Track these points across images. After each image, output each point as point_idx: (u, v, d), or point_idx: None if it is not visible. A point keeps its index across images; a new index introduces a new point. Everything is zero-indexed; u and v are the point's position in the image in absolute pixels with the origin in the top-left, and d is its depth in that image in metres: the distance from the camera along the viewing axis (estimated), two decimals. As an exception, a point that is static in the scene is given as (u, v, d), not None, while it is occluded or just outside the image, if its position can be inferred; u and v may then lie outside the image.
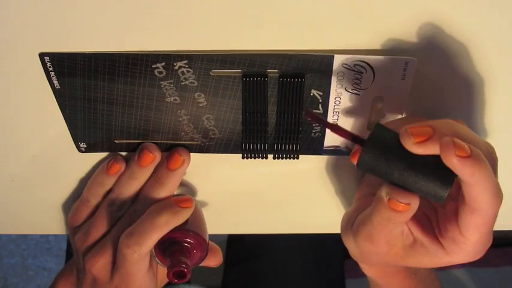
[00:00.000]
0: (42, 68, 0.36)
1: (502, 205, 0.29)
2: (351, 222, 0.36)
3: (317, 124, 0.39)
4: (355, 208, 0.38)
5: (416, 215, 0.34)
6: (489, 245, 0.33)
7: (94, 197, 0.43)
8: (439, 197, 0.30)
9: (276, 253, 0.78)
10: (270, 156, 0.41)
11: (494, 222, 0.31)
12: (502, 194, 0.30)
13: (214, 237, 0.47)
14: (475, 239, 0.31)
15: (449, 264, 0.34)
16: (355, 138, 0.31)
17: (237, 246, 0.83)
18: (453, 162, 0.28)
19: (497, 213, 0.30)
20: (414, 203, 0.30)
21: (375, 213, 0.32)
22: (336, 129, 0.32)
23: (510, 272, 1.17)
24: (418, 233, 0.34)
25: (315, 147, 0.41)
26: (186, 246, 0.40)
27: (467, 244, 0.31)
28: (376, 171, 0.31)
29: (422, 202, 0.35)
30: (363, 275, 0.44)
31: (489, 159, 0.30)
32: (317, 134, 0.40)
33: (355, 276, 1.11)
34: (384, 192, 0.31)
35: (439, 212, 0.34)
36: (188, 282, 0.79)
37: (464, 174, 0.28)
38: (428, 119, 0.33)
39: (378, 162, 0.30)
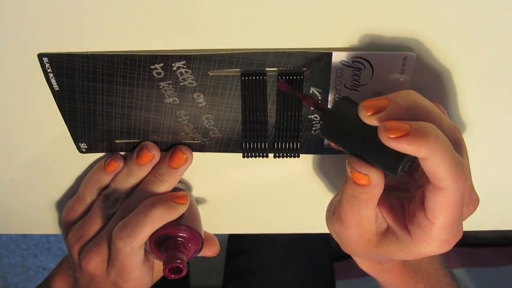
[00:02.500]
0: (41, 69, 0.36)
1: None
2: (330, 207, 0.37)
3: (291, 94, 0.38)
4: (336, 194, 0.38)
5: (392, 204, 0.34)
6: (458, 236, 0.32)
7: (90, 194, 0.43)
8: (394, 171, 0.30)
9: (263, 252, 0.79)
10: (271, 155, 0.42)
11: (461, 206, 0.30)
12: (464, 169, 0.29)
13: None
14: (440, 222, 0.30)
15: (418, 256, 0.33)
16: (319, 107, 0.33)
17: (236, 242, 0.83)
18: (391, 144, 0.28)
19: (462, 193, 0.30)
20: (374, 175, 0.30)
21: (343, 191, 0.33)
22: (304, 98, 0.34)
23: (510, 272, 1.17)
24: (390, 220, 0.34)
25: (316, 145, 0.41)
26: (181, 241, 0.40)
27: (432, 229, 0.31)
28: (337, 141, 0.32)
29: (402, 193, 0.35)
30: (352, 277, 0.44)
31: (450, 136, 0.29)
32: (317, 132, 0.40)
33: (344, 278, 1.12)
34: (346, 166, 0.31)
35: (412, 200, 0.33)
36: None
37: (408, 151, 0.28)
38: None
39: (338, 132, 0.32)
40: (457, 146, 0.31)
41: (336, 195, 0.37)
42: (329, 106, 0.38)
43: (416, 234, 0.32)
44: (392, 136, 0.28)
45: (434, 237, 0.31)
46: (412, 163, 0.31)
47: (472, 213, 0.35)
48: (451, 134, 0.30)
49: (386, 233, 0.34)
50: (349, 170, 0.31)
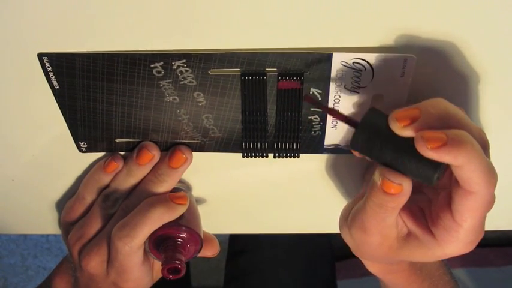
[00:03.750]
0: (41, 68, 0.36)
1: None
2: (347, 214, 0.36)
3: (316, 109, 0.39)
4: (353, 200, 0.38)
5: (411, 208, 0.34)
6: (481, 236, 0.32)
7: (89, 194, 0.43)
8: (429, 179, 0.30)
9: (264, 252, 0.79)
10: (271, 155, 0.41)
11: (489, 208, 0.30)
12: (496, 174, 0.29)
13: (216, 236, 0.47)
14: (468, 224, 0.31)
15: (442, 258, 0.33)
16: (349, 121, 0.33)
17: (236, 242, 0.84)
18: (429, 154, 0.28)
19: (493, 196, 0.30)
20: (406, 184, 0.31)
21: (368, 199, 0.33)
22: (332, 112, 0.34)
23: (510, 272, 1.17)
24: (411, 225, 0.34)
25: (316, 145, 0.41)
26: (180, 241, 0.40)
27: (459, 231, 0.31)
28: (369, 153, 0.32)
29: (417, 196, 0.35)
30: (353, 276, 0.44)
31: (479, 141, 0.30)
32: (317, 132, 0.40)
33: (345, 278, 1.12)
34: (377, 176, 0.31)
35: (433, 202, 0.34)
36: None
37: (446, 161, 0.28)
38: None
39: (370, 145, 0.31)
40: (485, 149, 0.31)
41: (351, 203, 0.37)
42: (329, 106, 0.38)
43: (442, 236, 0.32)
44: (430, 146, 0.28)
45: (460, 239, 0.31)
46: (446, 170, 0.31)
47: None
48: (480, 138, 0.30)
49: (407, 238, 0.34)
50: (380, 180, 0.31)
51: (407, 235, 0.34)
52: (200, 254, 0.43)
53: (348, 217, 0.36)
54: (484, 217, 0.31)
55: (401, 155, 0.30)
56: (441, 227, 0.32)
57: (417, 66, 0.35)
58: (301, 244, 0.79)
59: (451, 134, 0.28)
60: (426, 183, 0.31)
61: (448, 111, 0.30)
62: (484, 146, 0.31)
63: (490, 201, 0.30)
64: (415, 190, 0.35)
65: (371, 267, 0.42)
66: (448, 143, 0.28)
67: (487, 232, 0.35)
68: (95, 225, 0.43)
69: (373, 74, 0.35)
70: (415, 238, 0.34)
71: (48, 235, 1.35)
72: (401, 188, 0.31)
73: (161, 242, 0.40)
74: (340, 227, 0.37)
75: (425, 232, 0.33)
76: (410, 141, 0.29)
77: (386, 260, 0.37)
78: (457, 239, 0.31)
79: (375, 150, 0.31)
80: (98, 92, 0.38)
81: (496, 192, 0.45)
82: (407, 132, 0.30)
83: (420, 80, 0.36)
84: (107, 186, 0.43)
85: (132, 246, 0.39)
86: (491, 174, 0.29)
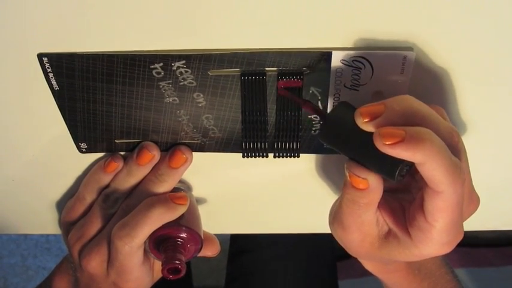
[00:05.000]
0: (41, 69, 0.36)
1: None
2: (332, 212, 0.37)
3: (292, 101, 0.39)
4: (337, 198, 0.38)
5: (393, 206, 0.34)
6: (459, 237, 0.32)
7: (90, 194, 0.43)
8: (391, 175, 0.30)
9: (265, 252, 0.79)
10: (271, 155, 0.41)
11: (460, 208, 0.30)
12: (461, 173, 0.29)
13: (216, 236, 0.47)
14: (440, 225, 0.30)
15: (420, 258, 0.33)
16: (318, 112, 0.34)
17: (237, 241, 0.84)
18: (386, 150, 0.28)
19: (461, 196, 0.30)
20: (372, 179, 0.31)
21: (342, 195, 0.33)
22: (304, 104, 0.35)
23: (510, 272, 1.17)
24: (391, 223, 0.34)
25: (316, 145, 0.41)
26: (180, 241, 0.40)
27: (432, 232, 0.31)
28: (336, 146, 0.32)
29: (403, 195, 0.35)
30: (355, 276, 0.44)
31: (448, 140, 0.29)
32: (317, 131, 0.40)
33: (347, 277, 1.12)
34: (345, 170, 0.32)
35: (412, 203, 0.34)
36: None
37: (404, 157, 0.28)
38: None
39: (337, 137, 0.32)
40: (454, 149, 0.31)
41: (337, 201, 0.37)
42: (330, 107, 0.38)
43: (417, 236, 0.32)
44: (387, 143, 0.28)
45: (434, 239, 0.31)
46: (410, 167, 0.31)
47: (472, 214, 0.35)
48: (449, 137, 0.30)
49: (387, 236, 0.34)
50: (347, 175, 0.31)
51: (388, 233, 0.34)
52: (200, 254, 0.43)
53: (331, 215, 0.36)
54: (458, 217, 0.31)
55: (365, 150, 0.30)
56: (416, 227, 0.32)
57: (416, 62, 0.35)
58: (301, 244, 0.79)
59: (410, 130, 0.28)
60: (389, 180, 0.31)
61: (413, 108, 0.30)
62: (453, 145, 0.30)
63: (459, 201, 0.30)
64: (403, 189, 0.35)
65: (367, 265, 0.42)
66: (406, 139, 0.27)
67: (486, 232, 0.35)
68: (95, 225, 0.43)
69: (372, 71, 0.35)
70: (394, 237, 0.34)
71: (48, 235, 1.35)
72: (367, 183, 0.31)
73: (161, 242, 0.40)
74: (329, 225, 0.38)
75: (403, 232, 0.33)
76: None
77: (372, 258, 0.37)
78: (431, 239, 0.31)
79: (342, 143, 0.32)
80: (97, 93, 0.38)
81: (494, 192, 0.45)
82: (368, 128, 0.30)
83: (419, 77, 0.36)
84: (107, 186, 0.43)
85: (132, 246, 0.39)
86: (456, 173, 0.28)
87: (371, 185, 0.31)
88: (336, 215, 0.35)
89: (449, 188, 0.29)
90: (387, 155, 0.29)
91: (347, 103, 0.32)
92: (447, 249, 0.32)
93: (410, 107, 0.30)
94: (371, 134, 0.29)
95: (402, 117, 0.29)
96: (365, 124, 0.30)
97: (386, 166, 0.30)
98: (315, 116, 0.39)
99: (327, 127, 0.32)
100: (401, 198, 0.35)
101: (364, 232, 0.34)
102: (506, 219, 0.49)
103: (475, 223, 0.41)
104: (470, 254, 1.18)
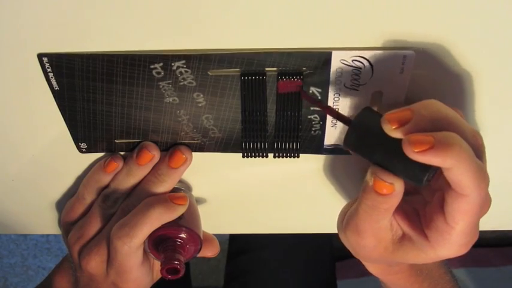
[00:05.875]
0: (41, 69, 0.36)
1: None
2: (343, 217, 0.36)
3: (315, 108, 0.39)
4: (349, 203, 0.38)
5: (405, 210, 0.34)
6: (475, 239, 0.32)
7: (89, 194, 0.43)
8: (419, 181, 0.30)
9: (264, 252, 0.79)
10: (271, 155, 0.42)
11: (480, 212, 0.30)
12: (487, 177, 0.29)
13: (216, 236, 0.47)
14: (460, 227, 0.30)
15: (436, 260, 0.33)
16: (342, 118, 0.34)
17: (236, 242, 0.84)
18: (416, 157, 0.28)
19: (484, 199, 0.30)
20: (398, 184, 0.31)
21: (360, 201, 0.32)
22: (326, 109, 0.35)
23: (510, 272, 1.17)
24: (406, 227, 0.34)
25: (316, 145, 0.41)
26: (180, 242, 0.40)
27: (451, 234, 0.31)
28: (360, 152, 0.32)
29: (413, 197, 0.35)
30: (354, 276, 0.45)
31: (472, 143, 0.29)
32: (317, 131, 0.40)
33: (345, 277, 1.12)
34: (369, 175, 0.31)
35: (428, 204, 0.34)
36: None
37: (434, 163, 0.28)
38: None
39: (362, 143, 0.32)
40: (478, 152, 0.31)
41: (347, 206, 0.37)
42: (330, 105, 0.38)
43: (435, 238, 0.32)
44: (416, 150, 0.28)
45: (453, 241, 0.31)
46: (436, 172, 0.31)
47: (485, 214, 0.35)
48: (473, 140, 0.30)
49: (402, 240, 0.34)
50: (371, 180, 0.31)
51: (402, 237, 0.34)
52: (200, 254, 0.43)
53: (344, 221, 0.36)
54: (478, 220, 0.31)
55: (392, 156, 0.30)
56: (434, 229, 0.32)
57: (416, 62, 0.35)
58: (301, 244, 0.79)
59: (438, 136, 0.28)
60: (416, 185, 0.31)
61: (440, 112, 0.30)
62: (478, 148, 0.31)
63: (482, 205, 0.30)
64: (412, 191, 0.35)
65: (371, 268, 0.42)
66: (435, 145, 0.27)
67: (486, 232, 0.35)
68: (94, 225, 0.43)
69: (372, 71, 0.35)
70: (409, 240, 0.34)
71: (48, 235, 1.35)
72: (393, 187, 0.31)
73: (160, 242, 0.40)
74: (338, 230, 0.37)
75: (419, 234, 0.33)
76: (401, 142, 0.29)
77: (382, 261, 0.37)
78: (449, 241, 0.31)
79: (367, 149, 0.32)
80: (97, 93, 0.38)
81: (494, 192, 0.44)
82: (397, 134, 0.30)
83: (419, 76, 0.36)
84: (107, 186, 0.43)
85: (131, 246, 0.39)
86: (481, 177, 0.29)
87: (396, 189, 0.31)
88: (349, 220, 0.34)
89: (475, 192, 0.29)
90: (415, 161, 0.29)
91: (370, 108, 0.32)
92: (464, 250, 0.32)
93: (438, 112, 0.30)
94: (397, 139, 0.29)
95: (430, 123, 0.29)
96: (393, 131, 0.30)
97: (415, 171, 0.30)
98: (314, 116, 0.39)
99: (351, 133, 0.32)
100: (411, 200, 0.35)
101: (379, 237, 0.34)
102: (506, 219, 0.49)
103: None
104: (470, 254, 1.17)
